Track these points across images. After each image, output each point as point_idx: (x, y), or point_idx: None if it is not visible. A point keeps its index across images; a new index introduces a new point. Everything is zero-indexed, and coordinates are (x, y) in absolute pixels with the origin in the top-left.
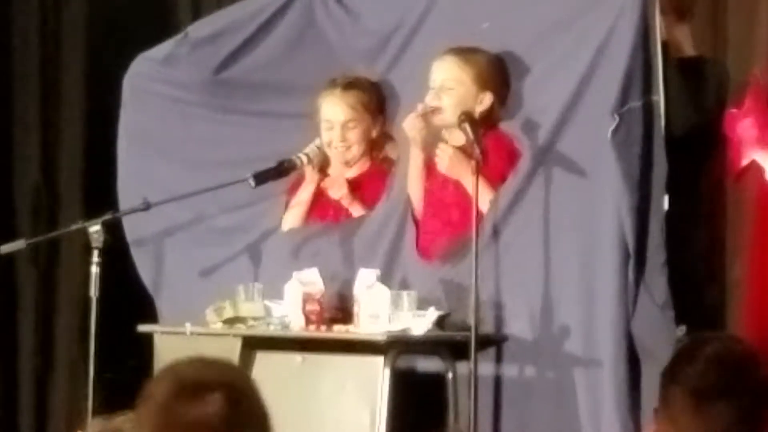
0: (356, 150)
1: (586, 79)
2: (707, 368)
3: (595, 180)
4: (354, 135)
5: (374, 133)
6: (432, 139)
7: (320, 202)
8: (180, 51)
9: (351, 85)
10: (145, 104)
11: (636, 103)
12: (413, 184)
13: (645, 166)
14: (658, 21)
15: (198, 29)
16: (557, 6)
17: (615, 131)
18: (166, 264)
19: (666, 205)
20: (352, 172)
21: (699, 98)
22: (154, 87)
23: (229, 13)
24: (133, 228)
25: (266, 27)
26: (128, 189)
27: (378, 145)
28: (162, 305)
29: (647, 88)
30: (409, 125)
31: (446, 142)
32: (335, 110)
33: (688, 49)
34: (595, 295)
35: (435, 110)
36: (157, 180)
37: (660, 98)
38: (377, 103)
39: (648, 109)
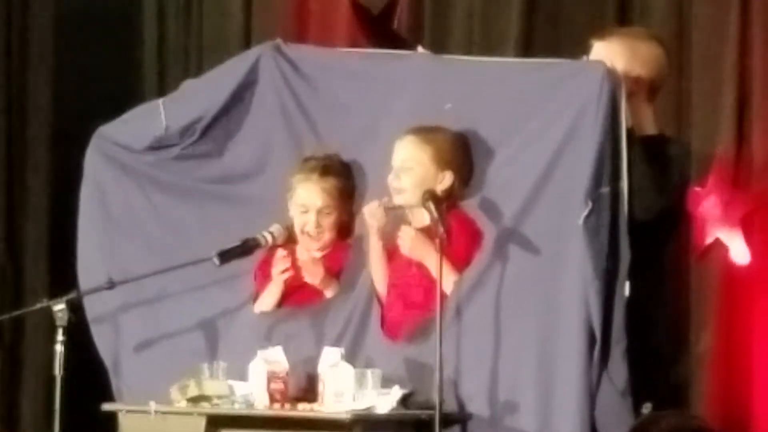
0: (328, 236)
1: (553, 162)
2: None
3: (561, 263)
4: (329, 221)
5: (346, 216)
6: (394, 222)
7: (296, 286)
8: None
9: (327, 169)
10: (105, 179)
11: (605, 189)
12: (375, 269)
13: (611, 252)
14: (624, 107)
15: (174, 117)
16: (523, 89)
17: (587, 217)
18: (125, 341)
19: (627, 292)
20: (321, 252)
21: (662, 178)
22: (115, 162)
23: (202, 94)
24: (92, 305)
25: (238, 113)
26: (88, 264)
27: (348, 226)
28: (120, 383)
29: (615, 173)
30: (370, 214)
31: (409, 224)
32: (312, 196)
33: (650, 128)
34: (556, 378)
35: (396, 207)
36: (117, 255)
37: (625, 184)
38: (351, 187)
39: (615, 195)
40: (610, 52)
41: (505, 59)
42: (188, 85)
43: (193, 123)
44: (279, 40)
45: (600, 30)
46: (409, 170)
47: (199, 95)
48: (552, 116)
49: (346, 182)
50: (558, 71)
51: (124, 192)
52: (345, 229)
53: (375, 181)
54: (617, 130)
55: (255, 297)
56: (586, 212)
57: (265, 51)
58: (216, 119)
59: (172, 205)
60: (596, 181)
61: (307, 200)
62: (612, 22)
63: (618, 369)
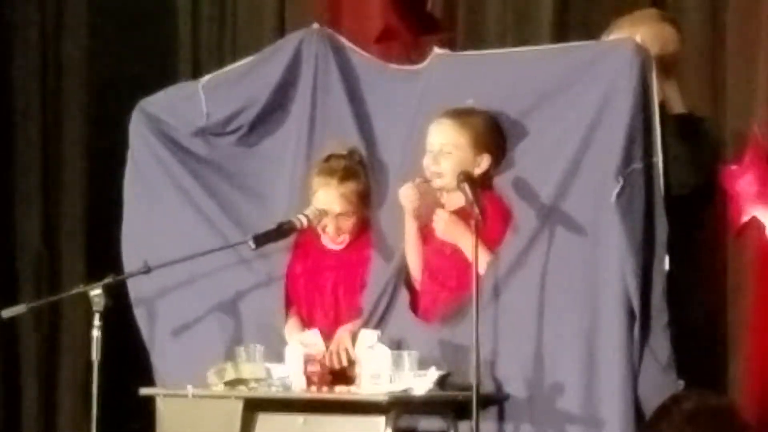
0: (348, 237)
1: (586, 140)
2: (683, 424)
3: (597, 241)
4: (348, 224)
5: (366, 213)
6: (429, 205)
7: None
8: (196, 126)
9: (347, 174)
10: (150, 156)
11: (638, 165)
12: (410, 252)
13: (647, 227)
14: (655, 83)
15: (216, 106)
16: (553, 72)
17: (619, 194)
18: (163, 325)
19: (667, 265)
20: (343, 245)
21: (696, 156)
22: (157, 139)
23: (245, 82)
24: (133, 287)
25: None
26: (131, 245)
27: (369, 221)
28: (161, 366)
29: (647, 149)
30: (404, 195)
31: (443, 207)
32: (331, 202)
33: (677, 106)
34: (597, 355)
35: (429, 182)
36: (158, 234)
37: (659, 159)
38: (369, 185)
39: (649, 171)
40: None
41: (531, 48)
42: (229, 72)
43: (236, 113)
44: (317, 25)
45: (609, 22)
46: (448, 154)
47: (242, 84)
48: (582, 94)
49: (365, 183)
50: (587, 52)
51: (166, 168)
52: (366, 223)
53: (395, 170)
54: (649, 106)
55: (287, 304)
56: (617, 189)
57: (306, 35)
58: (262, 110)
59: (208, 189)
60: (628, 158)
61: (327, 206)
62: (646, 4)
63: (660, 344)
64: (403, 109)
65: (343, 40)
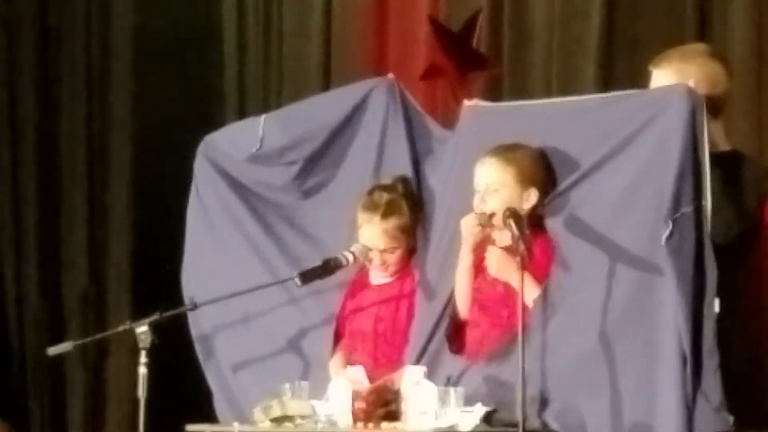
0: (393, 269)
1: (636, 183)
2: None
3: (649, 282)
4: (392, 258)
5: (412, 244)
6: (483, 240)
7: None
8: (256, 158)
9: (390, 209)
10: (215, 190)
11: (687, 209)
12: (460, 284)
13: (696, 269)
14: (705, 127)
15: (271, 136)
16: (605, 119)
17: (669, 237)
18: (222, 360)
19: (717, 308)
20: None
21: (738, 194)
22: (219, 174)
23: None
24: (194, 324)
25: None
26: (192, 279)
27: (414, 251)
28: (219, 400)
29: (697, 192)
30: (466, 228)
31: (494, 244)
32: (374, 239)
33: (723, 144)
34: (649, 397)
35: (491, 217)
36: (219, 273)
37: (708, 203)
38: (414, 219)
39: (698, 214)
40: (661, 79)
41: (573, 98)
42: (294, 106)
43: (292, 145)
44: (392, 75)
45: (656, 56)
46: (495, 192)
47: (303, 118)
48: (634, 139)
49: (409, 216)
50: (638, 100)
51: (227, 205)
52: (412, 254)
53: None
54: (699, 149)
55: (335, 341)
56: (667, 232)
57: (378, 84)
58: (320, 148)
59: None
60: (677, 201)
61: (370, 242)
62: (692, 40)
63: (712, 386)
64: (444, 167)
65: (410, 97)
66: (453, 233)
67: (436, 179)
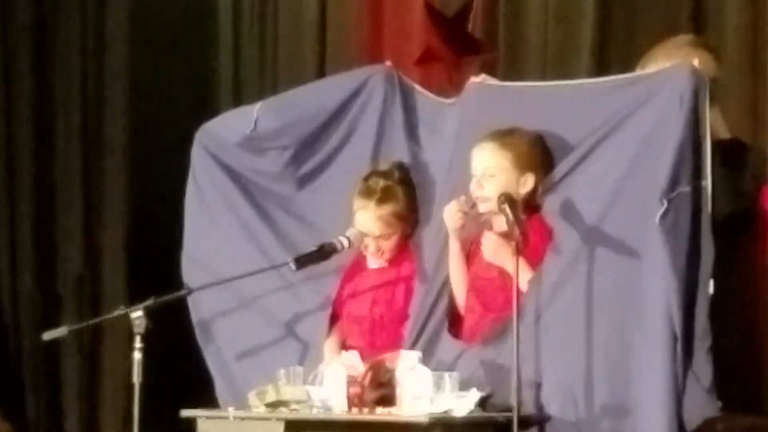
0: (389, 254)
1: (634, 162)
2: None
3: (640, 262)
4: (388, 244)
5: (408, 231)
6: (475, 226)
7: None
8: (250, 140)
9: (385, 195)
10: (204, 176)
11: (685, 188)
12: (454, 273)
13: (692, 250)
14: (707, 108)
15: (266, 117)
16: (607, 104)
17: (663, 216)
18: (221, 345)
19: (712, 289)
20: (387, 263)
21: (738, 182)
22: (215, 159)
23: (300, 102)
24: (194, 309)
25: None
26: (191, 265)
27: (409, 237)
28: (220, 384)
29: (696, 172)
30: (448, 216)
31: (491, 229)
32: (369, 225)
33: (723, 132)
34: (640, 377)
35: (474, 206)
36: (218, 259)
37: (708, 183)
38: (409, 205)
39: (697, 194)
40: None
41: (579, 81)
42: (290, 92)
43: (286, 127)
44: (389, 63)
45: (649, 42)
46: (492, 177)
47: (298, 102)
48: (635, 119)
49: (404, 202)
50: (640, 83)
51: (224, 193)
52: (407, 240)
53: (442, 184)
54: (700, 129)
55: (330, 324)
56: (661, 211)
57: (376, 71)
58: (315, 131)
59: (264, 216)
60: (675, 180)
61: (365, 228)
62: (686, 30)
63: (703, 366)
64: (447, 140)
65: (410, 81)
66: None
67: (435, 155)
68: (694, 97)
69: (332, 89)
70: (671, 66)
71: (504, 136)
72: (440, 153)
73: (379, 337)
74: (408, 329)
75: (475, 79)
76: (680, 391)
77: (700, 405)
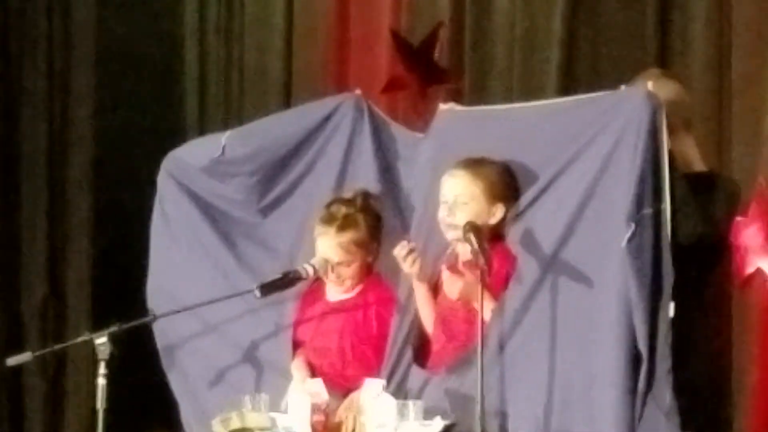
0: (350, 282)
1: (593, 186)
2: None
3: (602, 287)
4: (348, 272)
5: (369, 259)
6: (435, 256)
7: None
8: (217, 165)
9: (346, 223)
10: (169, 201)
11: (647, 210)
12: (423, 312)
13: (654, 273)
14: (664, 128)
15: (234, 143)
16: (566, 124)
17: (630, 238)
18: (186, 372)
19: (672, 312)
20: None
21: (708, 210)
22: (180, 185)
23: (268, 129)
24: (159, 336)
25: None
26: (156, 293)
27: (371, 266)
28: (185, 410)
29: (657, 195)
30: (405, 265)
31: (456, 256)
32: (329, 252)
33: (698, 164)
34: (600, 403)
35: (412, 250)
36: (182, 286)
37: (667, 206)
38: (371, 234)
39: (657, 217)
40: None
41: (543, 102)
42: (258, 122)
43: (257, 153)
44: (359, 91)
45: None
46: (465, 205)
47: (268, 129)
48: (594, 142)
49: (365, 231)
50: (599, 104)
51: (189, 219)
52: (369, 269)
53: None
54: (658, 151)
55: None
56: (629, 234)
57: (346, 99)
58: (285, 157)
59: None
60: (638, 203)
61: (325, 255)
62: (653, 60)
63: (662, 389)
64: (422, 168)
65: (378, 111)
66: (426, 240)
67: (409, 183)
68: (652, 120)
69: (301, 118)
70: (628, 89)
71: (476, 165)
72: (415, 181)
73: (351, 367)
74: (385, 360)
75: (443, 107)
76: (638, 416)
77: (657, 429)
